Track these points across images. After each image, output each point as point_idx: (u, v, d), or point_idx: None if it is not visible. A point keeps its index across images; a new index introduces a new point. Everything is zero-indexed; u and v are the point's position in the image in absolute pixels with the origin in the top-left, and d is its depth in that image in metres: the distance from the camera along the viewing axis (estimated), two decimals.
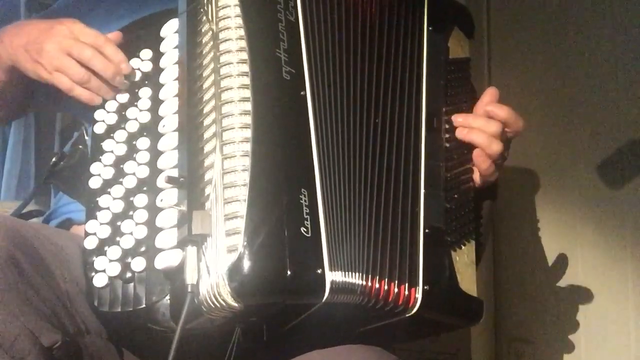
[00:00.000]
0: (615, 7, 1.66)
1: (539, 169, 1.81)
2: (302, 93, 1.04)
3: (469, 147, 1.15)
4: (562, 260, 1.73)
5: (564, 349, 1.71)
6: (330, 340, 1.06)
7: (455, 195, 1.12)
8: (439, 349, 1.83)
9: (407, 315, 1.03)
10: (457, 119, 1.15)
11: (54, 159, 1.14)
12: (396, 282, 1.02)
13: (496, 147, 1.14)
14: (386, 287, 1.01)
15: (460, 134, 1.14)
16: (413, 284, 1.03)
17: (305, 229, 0.97)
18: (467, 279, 1.08)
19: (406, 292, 1.02)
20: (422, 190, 1.09)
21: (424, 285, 1.03)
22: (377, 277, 1.01)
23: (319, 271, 0.96)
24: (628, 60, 1.62)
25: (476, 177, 1.16)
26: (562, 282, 1.72)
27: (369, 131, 1.08)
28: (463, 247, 1.10)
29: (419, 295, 1.03)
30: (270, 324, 1.02)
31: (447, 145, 1.14)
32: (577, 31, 1.74)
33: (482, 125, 1.14)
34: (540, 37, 1.83)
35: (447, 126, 1.15)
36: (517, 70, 1.88)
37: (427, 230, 1.06)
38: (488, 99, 1.18)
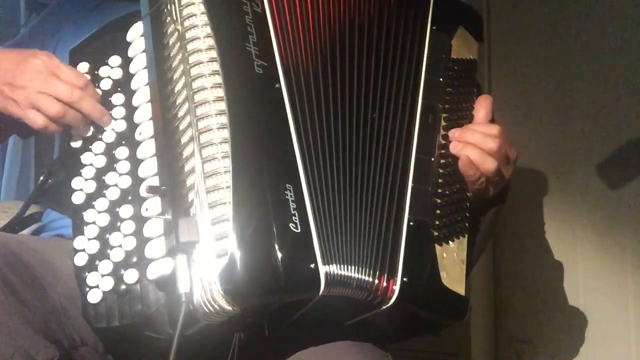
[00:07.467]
0: (614, 8, 1.63)
1: (539, 169, 1.78)
2: (276, 86, 1.02)
3: None
4: (562, 260, 1.71)
5: (564, 349, 1.71)
6: (322, 337, 1.04)
7: (447, 192, 1.09)
8: (439, 349, 1.81)
9: (384, 307, 1.00)
10: (455, 133, 1.12)
11: (41, 178, 1.12)
12: (377, 273, 1.00)
13: (490, 164, 1.11)
14: (370, 279, 0.99)
15: (454, 148, 1.11)
16: (392, 275, 1.01)
17: (293, 225, 0.95)
18: (454, 276, 1.06)
19: (384, 284, 1.00)
20: (410, 184, 1.07)
21: (402, 277, 1.01)
22: (368, 269, 0.99)
23: (312, 265, 0.95)
24: (628, 61, 1.60)
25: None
26: (562, 282, 1.71)
27: (359, 122, 1.06)
28: (451, 244, 1.07)
29: (397, 287, 1.00)
30: (270, 320, 1.01)
31: (444, 142, 1.12)
32: (577, 32, 1.71)
33: (478, 142, 1.11)
34: (540, 38, 1.80)
35: (444, 123, 1.13)
36: (517, 71, 1.86)
37: (411, 223, 1.04)
38: (483, 112, 1.15)
